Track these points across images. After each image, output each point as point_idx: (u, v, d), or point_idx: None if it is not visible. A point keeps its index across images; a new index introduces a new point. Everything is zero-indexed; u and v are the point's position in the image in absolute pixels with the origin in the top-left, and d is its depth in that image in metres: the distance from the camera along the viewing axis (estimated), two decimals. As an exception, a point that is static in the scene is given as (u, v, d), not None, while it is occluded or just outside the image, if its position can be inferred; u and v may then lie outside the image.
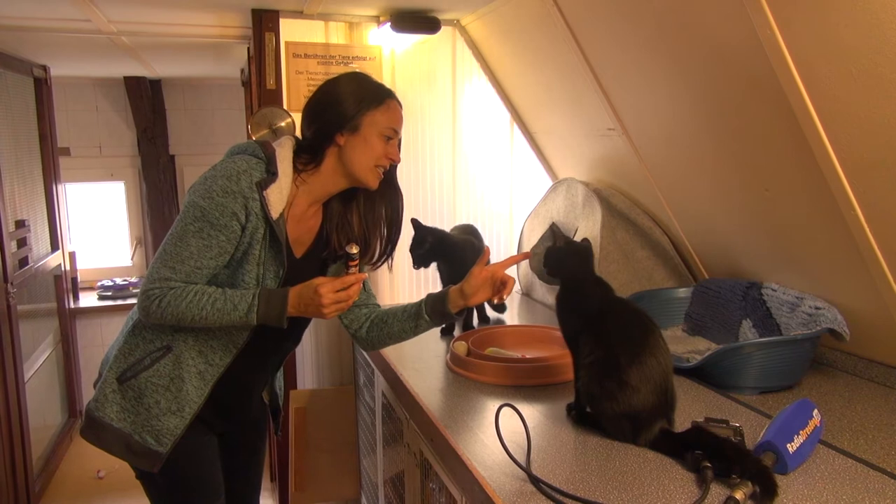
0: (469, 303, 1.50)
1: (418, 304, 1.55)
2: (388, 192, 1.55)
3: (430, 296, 1.55)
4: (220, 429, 1.58)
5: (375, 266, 1.61)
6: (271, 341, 1.52)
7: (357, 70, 1.51)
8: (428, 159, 2.79)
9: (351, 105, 1.42)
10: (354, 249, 1.42)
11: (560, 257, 1.53)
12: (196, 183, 1.38)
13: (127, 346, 1.45)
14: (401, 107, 1.49)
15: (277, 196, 1.38)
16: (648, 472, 1.23)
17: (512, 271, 2.78)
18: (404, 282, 2.78)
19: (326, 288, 1.34)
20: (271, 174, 1.38)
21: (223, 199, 1.33)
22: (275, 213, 1.37)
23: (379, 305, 1.66)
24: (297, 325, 1.56)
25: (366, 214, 1.54)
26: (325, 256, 1.54)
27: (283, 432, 2.56)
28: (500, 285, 1.50)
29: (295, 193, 1.44)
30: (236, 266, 1.40)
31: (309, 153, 1.45)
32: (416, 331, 1.57)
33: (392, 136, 1.46)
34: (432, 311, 1.53)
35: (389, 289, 2.76)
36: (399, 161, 1.50)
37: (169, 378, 1.42)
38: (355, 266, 1.42)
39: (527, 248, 2.61)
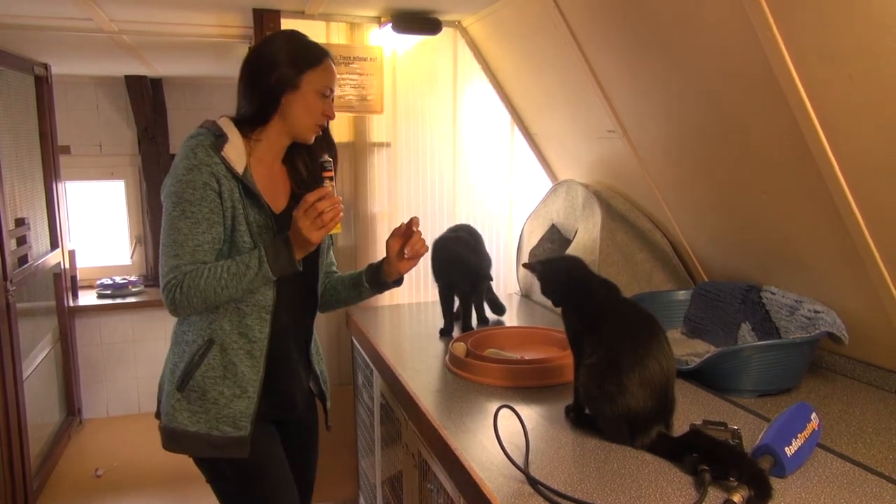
0: (400, 268, 1.61)
1: (360, 273, 1.68)
2: (325, 144, 1.63)
3: (369, 265, 1.68)
4: (275, 415, 1.60)
5: None
6: (293, 300, 1.58)
7: (295, 31, 1.58)
8: (428, 160, 2.80)
9: (291, 66, 1.49)
10: (326, 157, 1.50)
11: (560, 272, 1.52)
12: (164, 181, 1.48)
13: (175, 356, 1.53)
14: (334, 65, 1.58)
15: (235, 153, 1.46)
16: (646, 474, 1.23)
17: (512, 274, 2.82)
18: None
19: (298, 212, 1.41)
20: (219, 136, 1.46)
21: (190, 176, 1.42)
22: (239, 168, 1.46)
23: (337, 272, 1.78)
24: (309, 275, 1.60)
25: (310, 165, 1.62)
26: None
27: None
28: (413, 242, 1.59)
29: (251, 151, 1.52)
30: (231, 234, 1.47)
31: (252, 121, 1.52)
32: (359, 297, 1.70)
33: (328, 94, 1.53)
34: (371, 280, 1.66)
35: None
36: (334, 117, 1.57)
37: (222, 367, 1.48)
38: (330, 179, 1.49)
39: (526, 249, 2.61)
